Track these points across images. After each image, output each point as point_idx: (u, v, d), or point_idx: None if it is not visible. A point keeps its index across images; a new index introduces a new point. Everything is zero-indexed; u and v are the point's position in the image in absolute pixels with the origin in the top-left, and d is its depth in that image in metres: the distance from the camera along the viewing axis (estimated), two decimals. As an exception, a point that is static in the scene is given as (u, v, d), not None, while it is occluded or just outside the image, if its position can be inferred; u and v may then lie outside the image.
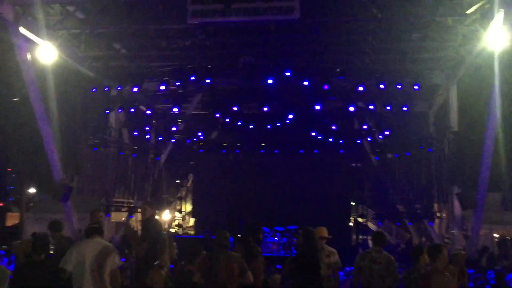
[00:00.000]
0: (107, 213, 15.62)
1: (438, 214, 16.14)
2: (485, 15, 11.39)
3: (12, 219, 27.56)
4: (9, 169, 27.15)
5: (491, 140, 12.65)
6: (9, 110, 19.21)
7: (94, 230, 6.24)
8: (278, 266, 12.46)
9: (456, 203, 14.45)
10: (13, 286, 6.15)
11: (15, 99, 16.56)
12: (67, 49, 13.57)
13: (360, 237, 19.57)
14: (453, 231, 14.89)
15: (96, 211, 8.12)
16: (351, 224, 21.27)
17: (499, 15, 10.50)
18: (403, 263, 10.49)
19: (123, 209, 17.34)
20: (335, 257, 7.40)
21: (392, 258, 6.88)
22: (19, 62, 12.41)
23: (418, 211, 16.39)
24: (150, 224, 7.17)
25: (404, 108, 15.14)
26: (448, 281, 5.46)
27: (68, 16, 12.70)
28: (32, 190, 27.50)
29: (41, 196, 27.34)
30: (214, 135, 21.30)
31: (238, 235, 6.77)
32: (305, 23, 12.28)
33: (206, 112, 17.59)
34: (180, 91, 15.36)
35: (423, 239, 17.38)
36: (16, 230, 22.74)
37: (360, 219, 21.10)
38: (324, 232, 7.49)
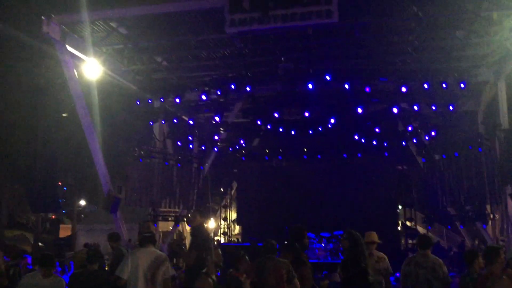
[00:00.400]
0: (155, 223, 15.91)
1: (491, 216, 15.51)
2: (533, 7, 10.96)
3: (64, 231, 28.58)
4: (60, 183, 28.17)
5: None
6: (59, 125, 19.99)
7: (148, 239, 6.38)
8: (325, 272, 12.34)
9: (510, 204, 13.85)
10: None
11: (64, 114, 17.20)
12: (111, 64, 14.03)
13: (410, 241, 19.06)
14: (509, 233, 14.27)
15: (147, 221, 8.33)
16: (399, 228, 20.78)
17: (548, 6, 10.07)
18: (456, 267, 10.15)
19: (169, 219, 17.61)
20: (385, 263, 7.22)
21: (440, 261, 6.63)
22: (67, 78, 12.91)
23: (469, 213, 15.79)
24: (198, 232, 7.25)
25: (450, 107, 14.68)
26: (507, 286, 5.22)
27: (111, 32, 13.12)
28: (82, 202, 28.46)
29: (91, 208, 28.28)
30: (256, 142, 21.35)
31: (285, 242, 6.71)
32: (343, 26, 12.16)
33: (248, 120, 17.65)
34: (221, 100, 15.51)
35: (476, 242, 16.74)
36: (69, 242, 23.58)
37: (408, 223, 20.58)
38: (374, 237, 7.34)
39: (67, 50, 12.50)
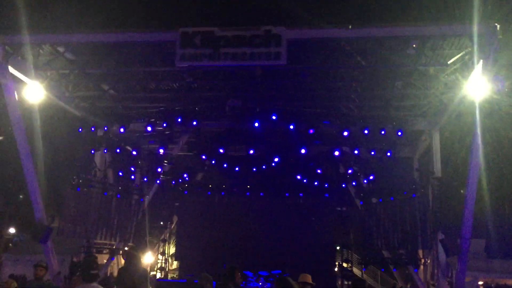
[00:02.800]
0: (88, 255, 15.25)
1: (422, 261, 16.07)
2: (466, 65, 11.82)
3: (-11, 260, 26.77)
4: (-11, 208, 26.68)
5: (473, 186, 12.77)
6: (-7, 148, 19.06)
7: (94, 276, 6.18)
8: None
9: (441, 250, 14.43)
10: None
11: (0, 138, 16.48)
12: (55, 88, 13.68)
13: (346, 282, 19.32)
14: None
15: (91, 255, 8.11)
16: (336, 269, 21.04)
17: (478, 66, 10.89)
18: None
19: (104, 251, 16.98)
20: None
21: None
22: (6, 101, 12.42)
23: (402, 257, 16.30)
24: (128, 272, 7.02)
25: (388, 154, 15.31)
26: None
27: (57, 56, 12.84)
28: (12, 230, 26.92)
29: (21, 237, 26.77)
30: (199, 176, 21.23)
31: (219, 282, 6.68)
32: (291, 68, 12.57)
33: (192, 154, 17.59)
34: (167, 132, 15.41)
35: (408, 285, 17.21)
36: (-8, 272, 22.06)
37: (345, 264, 20.89)
38: (307, 278, 7.42)
39: (9, 71, 12.08)
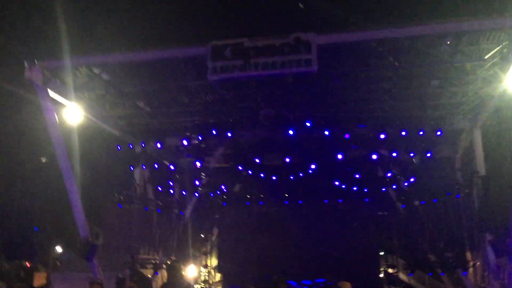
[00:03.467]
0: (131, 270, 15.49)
1: (471, 263, 15.53)
2: (504, 59, 11.40)
3: (38, 279, 27.55)
4: (37, 229, 27.47)
5: (520, 183, 12.31)
6: (38, 170, 19.70)
7: None
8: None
9: (490, 251, 13.91)
10: None
11: (43, 160, 17.00)
12: (93, 109, 14.04)
13: (392, 288, 18.91)
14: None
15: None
16: (381, 275, 20.60)
17: (517, 58, 10.53)
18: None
19: (148, 266, 17.21)
20: None
21: None
22: (47, 123, 12.81)
23: (450, 260, 15.82)
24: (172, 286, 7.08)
25: (428, 154, 14.96)
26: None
27: (94, 78, 13.19)
28: (58, 249, 27.63)
29: (68, 255, 27.44)
30: (237, 187, 21.29)
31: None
32: (323, 74, 12.46)
33: (229, 165, 17.69)
34: (202, 145, 15.57)
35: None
36: (43, 290, 22.68)
37: (390, 270, 20.44)
38: (346, 286, 7.30)
39: (49, 95, 12.48)
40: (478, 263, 15.52)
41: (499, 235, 13.82)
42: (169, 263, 16.47)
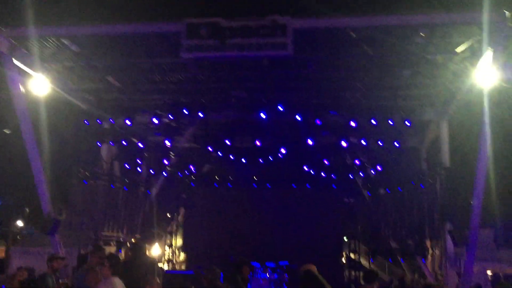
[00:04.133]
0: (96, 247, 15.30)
1: (430, 251, 16.00)
2: (475, 54, 11.63)
3: (-2, 253, 26.99)
4: (-3, 201, 26.85)
5: (482, 176, 12.66)
6: (0, 141, 19.10)
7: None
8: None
9: (449, 240, 14.35)
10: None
11: (6, 131, 16.48)
12: (60, 81, 13.62)
13: (353, 273, 19.32)
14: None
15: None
16: (343, 260, 21.03)
17: (487, 54, 10.73)
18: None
19: (112, 243, 17.04)
20: None
21: None
22: (12, 94, 12.39)
23: (410, 248, 16.24)
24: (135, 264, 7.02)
25: (396, 144, 15.21)
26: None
27: (62, 49, 12.77)
28: (20, 223, 27.08)
29: (29, 230, 26.95)
30: (206, 168, 21.22)
31: (226, 274, 6.67)
32: (298, 59, 12.44)
33: (199, 146, 17.56)
34: (173, 124, 15.36)
35: (416, 276, 17.16)
36: (1, 264, 22.24)
37: (352, 255, 20.88)
38: (313, 268, 7.35)
39: (14, 64, 12.04)
40: (437, 251, 16.02)
41: (459, 226, 14.27)
42: (133, 241, 16.35)
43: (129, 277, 6.42)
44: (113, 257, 7.13)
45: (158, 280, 7.19)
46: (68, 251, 14.88)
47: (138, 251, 7.46)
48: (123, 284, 6.18)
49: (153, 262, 7.77)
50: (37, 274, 7.65)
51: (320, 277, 5.91)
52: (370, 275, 7.13)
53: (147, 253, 19.04)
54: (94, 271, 6.60)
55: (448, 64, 12.61)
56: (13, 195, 24.70)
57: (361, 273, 8.81)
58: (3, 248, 26.32)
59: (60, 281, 7.72)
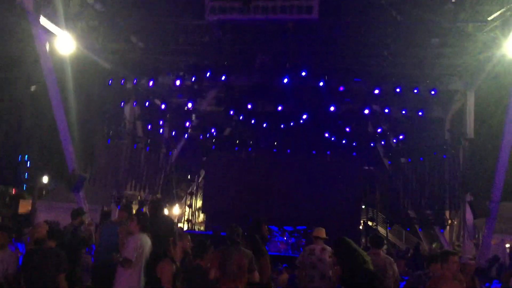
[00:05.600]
0: (118, 205, 15.72)
1: (449, 222, 15.99)
2: (506, 23, 11.28)
3: (24, 206, 27.95)
4: (25, 157, 27.55)
5: (507, 149, 12.50)
6: (27, 99, 19.46)
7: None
8: (284, 265, 12.49)
9: (468, 211, 14.30)
10: (23, 271, 6.25)
11: (32, 88, 16.77)
12: (85, 40, 13.68)
13: (370, 240, 19.47)
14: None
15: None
16: (360, 227, 21.18)
17: (520, 23, 10.39)
18: (412, 268, 10.42)
19: (134, 202, 17.45)
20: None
21: (391, 259, 6.91)
22: (38, 51, 12.53)
23: (429, 218, 16.25)
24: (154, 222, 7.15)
25: (420, 113, 15.00)
26: (456, 289, 5.40)
27: (87, 7, 12.80)
28: (45, 179, 27.85)
29: (54, 185, 27.73)
30: (227, 132, 21.32)
31: (245, 233, 6.76)
32: (323, 23, 12.23)
33: (220, 109, 17.60)
34: (195, 86, 15.38)
35: (433, 245, 17.23)
36: (28, 217, 23.06)
37: (370, 223, 21.00)
38: (321, 233, 7.46)
39: (40, 22, 12.13)
40: (456, 222, 16.00)
41: (479, 197, 14.17)
42: (152, 199, 16.69)
43: (152, 234, 6.60)
44: (140, 213, 7.28)
45: (189, 238, 7.34)
46: (92, 208, 15.33)
47: (158, 208, 7.61)
48: (149, 242, 6.34)
49: (172, 221, 7.92)
50: (62, 227, 7.90)
51: (352, 243, 6.01)
52: (377, 239, 7.22)
53: (167, 212, 19.49)
54: (124, 225, 6.78)
55: (478, 34, 12.25)
56: (40, 151, 25.31)
57: (368, 237, 8.87)
58: (29, 201, 27.23)
59: (82, 234, 7.98)
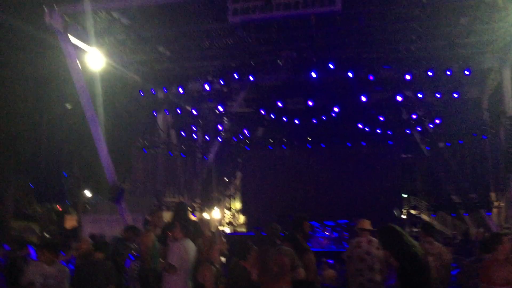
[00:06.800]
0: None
1: (496, 204, 15.51)
2: (539, -8, 10.84)
3: (70, 222, 28.74)
4: (65, 173, 28.31)
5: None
6: (63, 116, 20.01)
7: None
8: (329, 261, 12.38)
9: (515, 191, 13.84)
10: (73, 285, 6.42)
11: (68, 106, 17.24)
12: (113, 54, 14.00)
13: (414, 229, 19.09)
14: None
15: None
16: (403, 216, 20.80)
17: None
18: (461, 255, 10.15)
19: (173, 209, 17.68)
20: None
21: (445, 248, 6.74)
22: (70, 69, 12.90)
23: (474, 201, 15.80)
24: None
25: (455, 95, 14.61)
26: (509, 272, 5.22)
27: (114, 23, 13.06)
28: (87, 193, 28.57)
29: (96, 198, 28.42)
30: (260, 131, 21.34)
31: (286, 232, 6.73)
32: (347, 14, 12.06)
33: (251, 109, 17.64)
34: (224, 89, 15.47)
35: (481, 230, 16.74)
36: (75, 232, 23.70)
37: (413, 211, 20.59)
38: (365, 224, 7.32)
39: (70, 41, 12.48)
40: (503, 204, 15.49)
41: (525, 176, 13.69)
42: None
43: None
44: (183, 219, 7.33)
45: (223, 239, 7.37)
46: (134, 217, 15.62)
47: (182, 210, 7.63)
48: (194, 247, 6.37)
49: (197, 223, 7.84)
50: (108, 239, 8.09)
51: (398, 228, 5.91)
52: (429, 227, 7.09)
53: (208, 217, 19.64)
54: (145, 235, 6.87)
55: (509, 7, 11.81)
56: (80, 167, 26.02)
57: (420, 225, 8.68)
58: (75, 217, 27.99)
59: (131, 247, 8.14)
